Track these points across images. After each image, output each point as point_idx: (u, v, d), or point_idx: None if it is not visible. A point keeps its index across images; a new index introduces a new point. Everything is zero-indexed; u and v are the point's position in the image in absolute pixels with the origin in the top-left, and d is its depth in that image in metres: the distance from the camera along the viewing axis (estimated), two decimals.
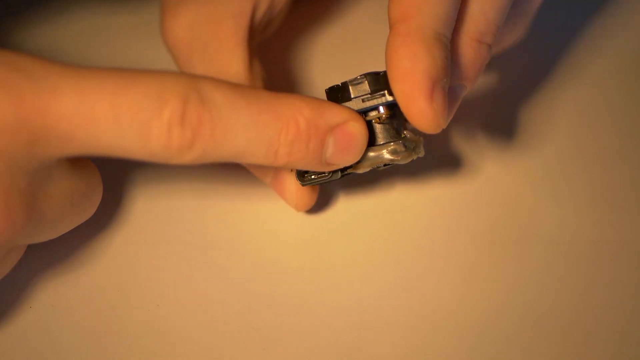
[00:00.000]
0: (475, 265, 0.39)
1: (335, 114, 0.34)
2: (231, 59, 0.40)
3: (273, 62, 0.45)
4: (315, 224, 0.41)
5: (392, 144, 0.35)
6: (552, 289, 0.39)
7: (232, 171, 0.42)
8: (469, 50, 0.35)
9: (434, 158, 0.43)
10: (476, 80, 0.36)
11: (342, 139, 0.34)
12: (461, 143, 0.43)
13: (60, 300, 0.37)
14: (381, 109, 0.35)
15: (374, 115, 0.36)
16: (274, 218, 0.41)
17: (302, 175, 0.36)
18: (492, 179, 0.42)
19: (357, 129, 0.34)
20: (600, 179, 0.43)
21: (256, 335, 0.37)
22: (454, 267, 0.39)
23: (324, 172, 0.36)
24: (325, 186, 0.41)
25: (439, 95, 0.33)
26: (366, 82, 0.35)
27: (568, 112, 0.45)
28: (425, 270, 0.39)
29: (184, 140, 0.31)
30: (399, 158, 0.35)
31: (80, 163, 0.34)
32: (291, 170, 0.38)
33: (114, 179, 0.41)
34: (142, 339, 0.37)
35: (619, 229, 0.41)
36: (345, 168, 0.36)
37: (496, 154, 0.43)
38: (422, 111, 0.33)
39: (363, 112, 0.35)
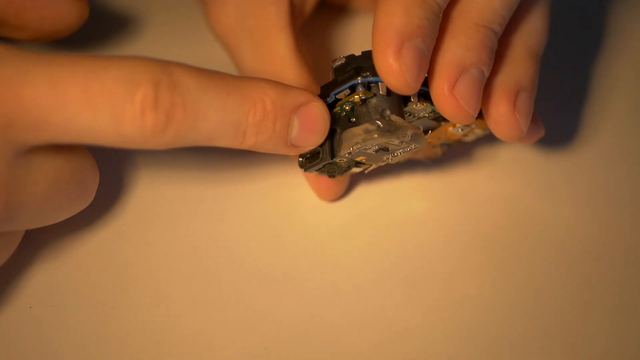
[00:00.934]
0: (477, 266, 0.40)
1: (298, 94, 0.35)
2: (277, 43, 0.41)
3: (311, 44, 0.46)
4: (316, 224, 0.41)
5: (367, 122, 0.35)
6: (555, 289, 0.39)
7: (234, 167, 0.42)
8: (476, 33, 0.36)
9: (437, 161, 0.43)
10: (490, 64, 0.36)
11: (305, 119, 0.35)
12: (464, 144, 0.44)
13: (60, 300, 0.37)
14: (359, 87, 0.36)
15: (356, 96, 0.36)
16: (274, 218, 0.41)
17: (302, 163, 0.37)
18: (494, 180, 0.43)
19: (318, 109, 0.35)
20: (603, 180, 0.43)
21: (256, 335, 0.37)
22: (456, 267, 0.40)
23: (318, 157, 0.36)
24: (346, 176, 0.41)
25: (409, 53, 0.34)
26: (344, 60, 0.36)
27: (571, 113, 0.46)
28: (426, 271, 0.40)
29: (157, 123, 0.31)
30: (374, 137, 0.35)
31: (68, 147, 0.34)
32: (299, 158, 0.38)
33: (113, 177, 0.41)
34: (142, 339, 0.37)
35: (623, 230, 0.41)
36: (332, 150, 0.36)
37: (499, 155, 0.44)
38: (389, 66, 0.34)
39: (348, 93, 0.36)
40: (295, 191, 0.42)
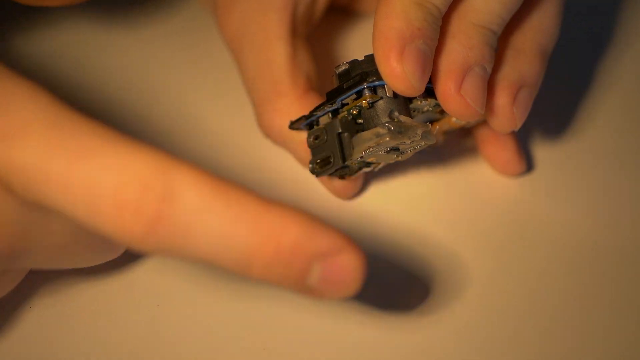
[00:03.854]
0: (480, 268, 0.40)
1: (328, 240, 0.28)
2: (276, 51, 0.41)
3: (317, 53, 0.46)
4: None
5: (377, 126, 0.36)
6: (553, 289, 0.39)
7: (237, 163, 0.42)
8: (475, 33, 0.36)
9: (439, 161, 0.43)
10: (492, 62, 0.36)
11: (330, 271, 0.29)
12: (467, 145, 0.44)
13: (60, 300, 0.37)
14: (366, 92, 0.36)
15: (363, 101, 0.36)
16: None
17: (313, 168, 0.37)
18: (497, 182, 0.43)
19: (350, 263, 0.29)
20: (608, 182, 0.43)
21: (256, 335, 0.37)
22: (456, 267, 0.40)
23: (329, 162, 0.37)
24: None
25: (412, 55, 0.34)
26: (348, 66, 0.36)
27: (576, 114, 0.46)
28: (426, 270, 0.39)
29: (134, 230, 0.27)
30: (386, 140, 0.35)
31: None
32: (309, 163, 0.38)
33: None
34: (142, 339, 0.37)
35: (628, 232, 0.41)
36: (343, 155, 0.36)
37: None
38: (393, 70, 0.34)
39: (354, 97, 0.36)
40: (297, 190, 0.42)
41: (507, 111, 0.38)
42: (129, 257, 0.39)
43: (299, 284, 0.29)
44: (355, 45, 0.49)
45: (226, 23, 0.43)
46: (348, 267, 0.29)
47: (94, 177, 0.28)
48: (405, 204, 0.42)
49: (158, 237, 0.28)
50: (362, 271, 0.29)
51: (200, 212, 0.28)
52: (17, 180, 0.28)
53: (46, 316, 0.37)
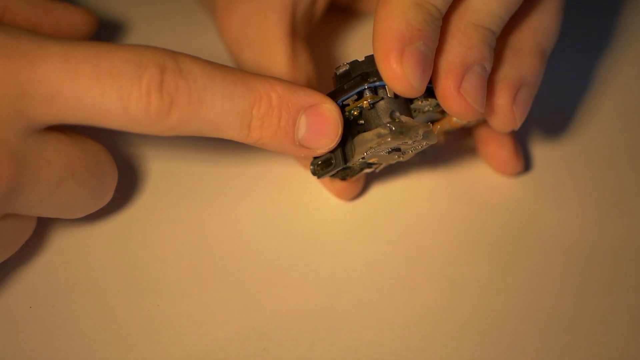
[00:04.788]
0: (478, 269, 0.40)
1: (308, 94, 0.35)
2: (275, 53, 0.42)
3: (317, 54, 0.46)
4: (317, 222, 0.41)
5: (379, 127, 0.36)
6: (552, 289, 0.39)
7: (232, 169, 0.42)
8: (474, 32, 0.36)
9: (438, 162, 0.43)
10: (491, 60, 0.37)
11: (315, 120, 0.35)
12: (467, 145, 0.44)
13: (60, 300, 0.37)
14: (367, 92, 0.36)
15: (364, 102, 0.36)
16: (272, 218, 0.41)
17: (314, 170, 0.37)
18: (497, 183, 0.43)
19: (329, 111, 0.35)
20: (606, 183, 0.43)
21: (256, 335, 0.37)
22: (454, 266, 0.40)
23: (330, 163, 0.37)
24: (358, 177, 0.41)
25: (411, 56, 0.34)
26: (348, 67, 0.36)
27: (574, 115, 0.46)
28: (426, 270, 0.39)
29: (162, 106, 0.32)
30: (388, 140, 0.35)
31: (83, 139, 0.35)
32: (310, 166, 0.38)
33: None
34: (142, 339, 0.37)
35: (624, 233, 0.41)
36: (345, 156, 0.36)
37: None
38: (393, 71, 0.34)
39: (355, 98, 0.36)
40: (299, 190, 0.42)
41: (507, 110, 0.38)
42: (128, 256, 0.39)
43: (290, 137, 0.35)
44: (355, 45, 0.49)
45: (226, 25, 0.43)
46: (328, 115, 0.35)
47: (119, 68, 0.32)
48: (406, 205, 0.42)
49: (180, 109, 0.32)
50: (340, 119, 0.35)
51: (207, 80, 0.33)
52: (42, 91, 0.31)
53: (46, 316, 0.37)
